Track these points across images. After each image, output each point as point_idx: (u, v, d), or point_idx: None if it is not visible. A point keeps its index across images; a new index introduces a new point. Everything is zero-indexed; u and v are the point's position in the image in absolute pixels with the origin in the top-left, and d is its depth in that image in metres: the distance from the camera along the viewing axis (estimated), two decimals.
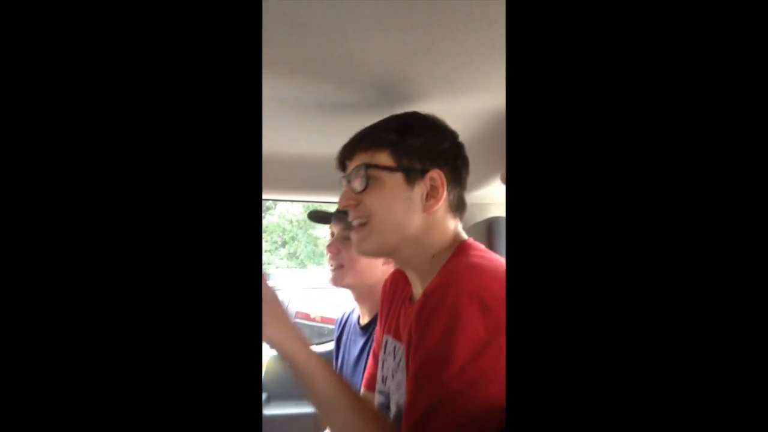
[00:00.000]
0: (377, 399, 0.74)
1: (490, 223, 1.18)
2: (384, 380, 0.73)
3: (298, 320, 3.25)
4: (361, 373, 0.99)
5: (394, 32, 0.61)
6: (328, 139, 1.16)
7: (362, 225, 0.68)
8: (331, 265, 1.09)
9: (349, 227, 1.05)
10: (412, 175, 0.66)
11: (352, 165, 0.70)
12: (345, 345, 1.17)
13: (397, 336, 0.72)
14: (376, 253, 0.69)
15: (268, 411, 1.55)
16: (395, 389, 0.68)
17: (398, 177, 0.66)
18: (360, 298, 1.11)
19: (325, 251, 1.11)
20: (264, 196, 1.36)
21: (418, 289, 0.71)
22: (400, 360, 0.67)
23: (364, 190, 0.67)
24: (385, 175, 0.66)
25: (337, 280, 1.09)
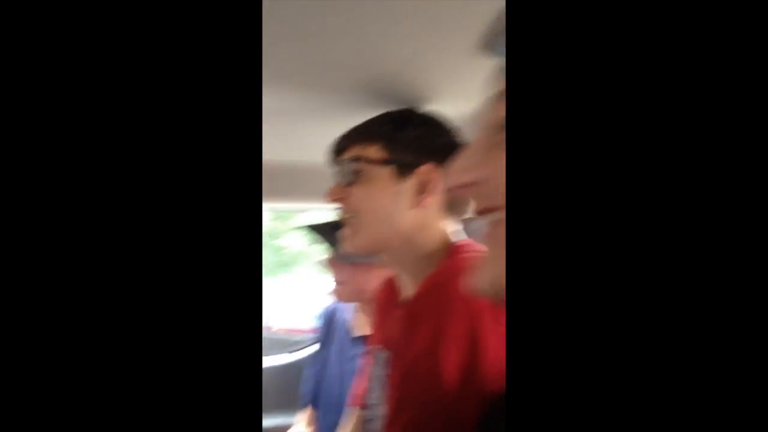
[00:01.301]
0: (365, 413, 0.72)
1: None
2: (371, 391, 0.71)
3: (271, 335, 3.16)
4: (349, 387, 0.99)
5: (391, 40, 0.61)
6: (302, 146, 1.15)
7: (352, 221, 0.65)
8: (333, 281, 1.07)
9: (338, 241, 1.04)
10: (403, 169, 0.63)
11: (346, 157, 0.67)
12: (334, 348, 1.15)
13: (384, 344, 0.70)
14: (366, 249, 0.66)
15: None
16: (379, 401, 0.66)
17: (389, 170, 0.63)
18: (364, 310, 1.10)
19: (324, 266, 1.10)
20: (265, 206, 1.34)
21: (406, 287, 0.68)
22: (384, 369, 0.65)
23: (352, 183, 0.64)
24: (375, 169, 0.63)
25: (339, 295, 1.08)
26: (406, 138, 0.64)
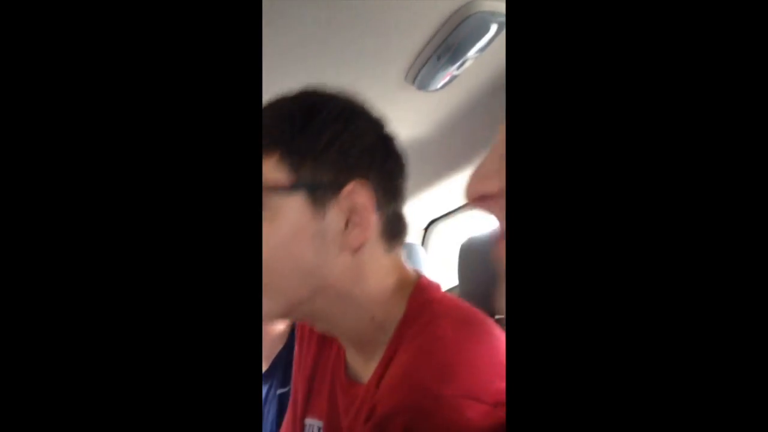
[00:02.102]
0: None
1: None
2: None
3: None
4: (271, 430, 0.88)
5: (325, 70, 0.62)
6: None
7: None
8: None
9: None
10: (320, 194, 0.40)
11: None
12: None
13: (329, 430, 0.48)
14: (282, 315, 0.44)
15: None
16: None
17: (299, 199, 0.40)
18: None
19: None
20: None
21: (355, 359, 0.47)
22: None
23: None
24: (279, 198, 0.40)
25: None
26: (316, 142, 0.41)
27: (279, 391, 0.90)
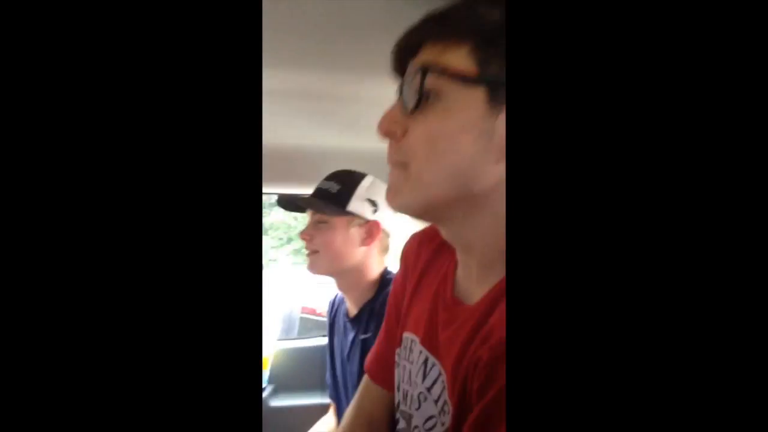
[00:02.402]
0: (399, 425, 0.53)
1: None
2: (405, 398, 0.52)
3: (303, 316, 3.23)
4: (355, 370, 0.95)
5: (395, 25, 0.61)
6: (330, 130, 1.17)
7: (403, 164, 0.42)
8: (307, 252, 1.00)
9: (320, 210, 0.97)
10: (500, 93, 0.39)
11: (413, 66, 0.42)
12: (337, 337, 1.11)
13: (432, 349, 0.48)
14: (418, 210, 0.43)
15: (274, 402, 1.55)
16: (421, 424, 0.48)
17: (479, 93, 0.39)
18: (342, 286, 1.03)
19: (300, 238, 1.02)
20: (265, 190, 1.34)
21: (466, 279, 0.48)
22: (431, 386, 0.47)
23: (416, 108, 0.41)
24: (459, 89, 0.40)
25: (314, 267, 1.00)
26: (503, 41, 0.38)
27: (362, 337, 0.98)
